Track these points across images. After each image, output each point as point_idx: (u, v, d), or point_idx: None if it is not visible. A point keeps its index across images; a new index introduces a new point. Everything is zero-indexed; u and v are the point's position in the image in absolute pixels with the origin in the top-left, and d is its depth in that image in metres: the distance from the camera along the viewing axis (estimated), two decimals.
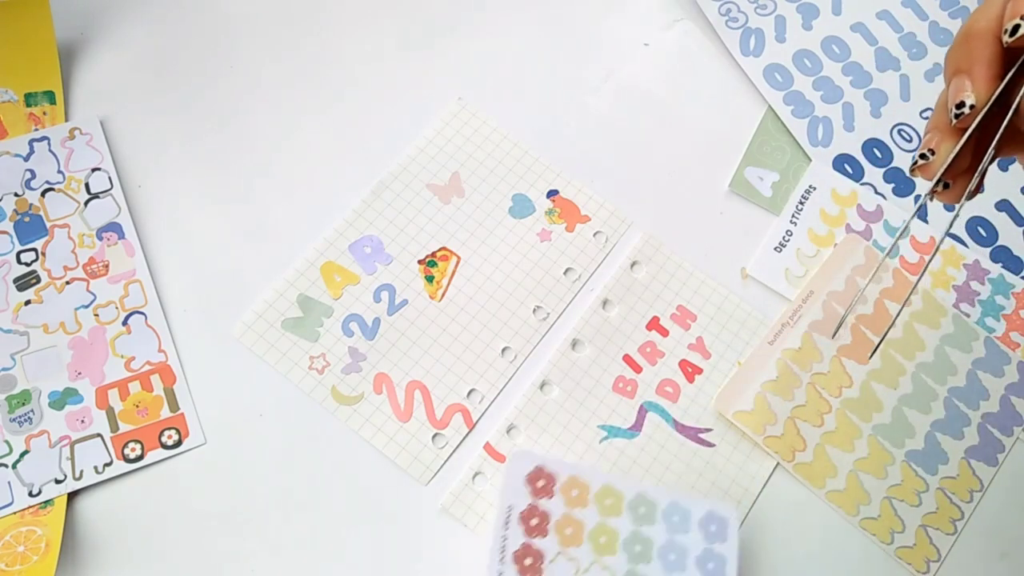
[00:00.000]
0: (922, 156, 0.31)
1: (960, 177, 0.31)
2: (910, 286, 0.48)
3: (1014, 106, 0.28)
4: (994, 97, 0.28)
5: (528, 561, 0.35)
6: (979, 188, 0.32)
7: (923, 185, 0.52)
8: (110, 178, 0.46)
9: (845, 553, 0.43)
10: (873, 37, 0.56)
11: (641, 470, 0.43)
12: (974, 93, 0.28)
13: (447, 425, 0.43)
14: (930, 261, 0.36)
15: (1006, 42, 0.27)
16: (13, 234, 0.45)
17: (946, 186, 0.31)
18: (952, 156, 0.30)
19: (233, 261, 0.46)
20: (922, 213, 0.51)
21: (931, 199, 0.32)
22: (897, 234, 0.36)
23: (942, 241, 0.34)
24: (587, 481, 0.36)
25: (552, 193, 0.49)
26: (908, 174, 0.35)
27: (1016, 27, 0.27)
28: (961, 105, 0.29)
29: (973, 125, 0.29)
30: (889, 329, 0.38)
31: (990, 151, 0.30)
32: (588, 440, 0.44)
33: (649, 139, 0.52)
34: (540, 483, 0.36)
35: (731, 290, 0.48)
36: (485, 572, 0.35)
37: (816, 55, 0.55)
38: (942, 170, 0.30)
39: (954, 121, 0.29)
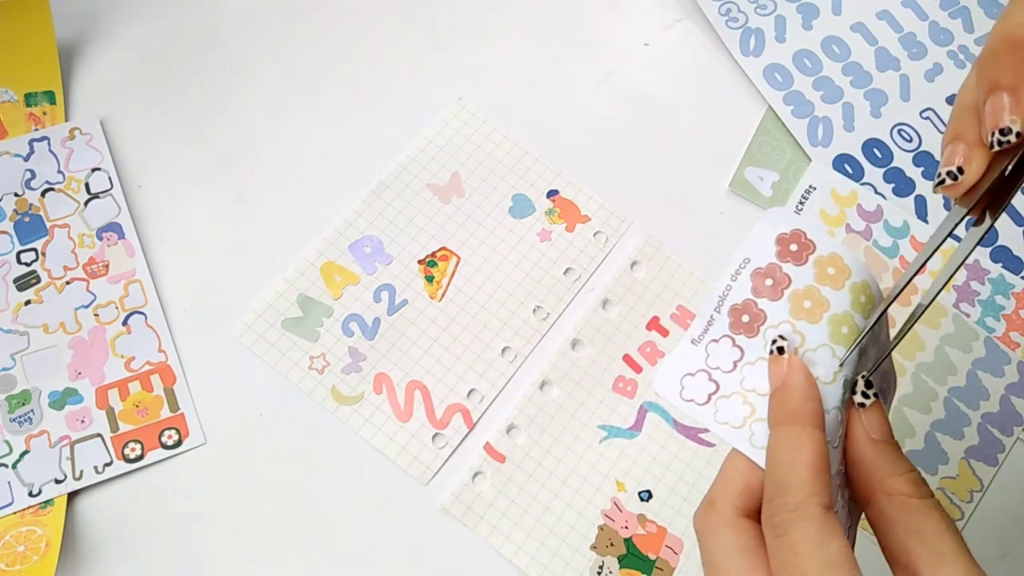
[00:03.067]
0: (951, 175, 0.26)
1: (995, 204, 0.27)
2: (911, 286, 0.48)
3: None
4: None
5: (745, 318, 0.30)
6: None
7: (924, 186, 0.52)
8: (110, 178, 0.46)
9: None
10: (873, 37, 0.56)
11: (641, 470, 0.43)
12: (1020, 117, 0.24)
13: (447, 425, 0.43)
14: (922, 261, 0.30)
15: None
16: (13, 234, 0.45)
17: (974, 209, 0.27)
18: (990, 179, 0.26)
19: (233, 261, 0.46)
20: (921, 212, 0.51)
21: (972, 223, 0.27)
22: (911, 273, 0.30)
23: (932, 252, 0.29)
24: (850, 266, 0.30)
25: (552, 193, 0.49)
26: (933, 192, 0.30)
27: None
28: (1006, 132, 0.24)
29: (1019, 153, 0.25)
30: (920, 268, 0.31)
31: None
32: (588, 440, 0.44)
33: (649, 139, 0.52)
34: (793, 247, 0.30)
35: None
36: (697, 317, 0.30)
37: (816, 55, 0.55)
38: (979, 192, 0.26)
39: (996, 148, 0.25)
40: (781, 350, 0.28)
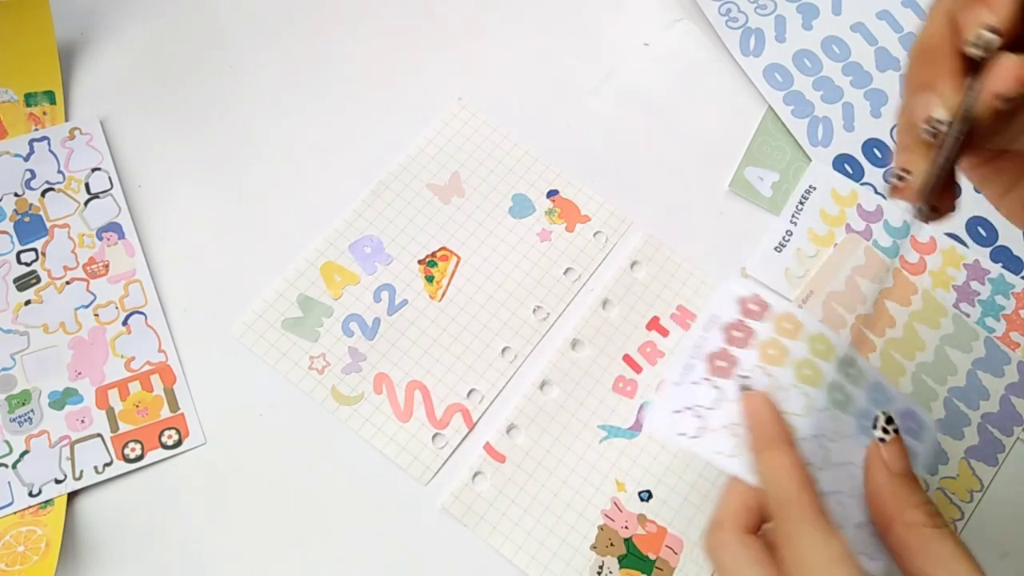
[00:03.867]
0: (898, 177, 0.30)
1: (943, 196, 0.29)
2: (911, 286, 0.49)
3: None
4: (964, 108, 0.27)
5: (721, 363, 0.33)
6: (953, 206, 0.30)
7: None
8: (110, 178, 0.46)
9: None
10: (873, 37, 0.56)
11: (641, 470, 0.43)
12: (943, 106, 0.27)
13: (447, 425, 0.43)
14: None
15: (971, 52, 0.26)
16: (13, 234, 0.45)
17: (933, 209, 0.30)
18: (934, 172, 0.28)
19: (233, 261, 0.46)
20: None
21: (925, 222, 0.30)
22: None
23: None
24: (803, 321, 0.34)
25: (552, 193, 0.49)
26: (887, 197, 0.35)
27: (979, 36, 0.26)
28: (931, 121, 0.27)
29: (949, 139, 0.28)
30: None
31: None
32: (588, 440, 0.44)
33: (649, 139, 0.52)
34: (753, 306, 0.35)
35: None
36: (675, 363, 0.34)
37: (816, 55, 0.55)
38: (927, 187, 0.29)
39: (931, 139, 0.28)
40: (745, 388, 0.33)
